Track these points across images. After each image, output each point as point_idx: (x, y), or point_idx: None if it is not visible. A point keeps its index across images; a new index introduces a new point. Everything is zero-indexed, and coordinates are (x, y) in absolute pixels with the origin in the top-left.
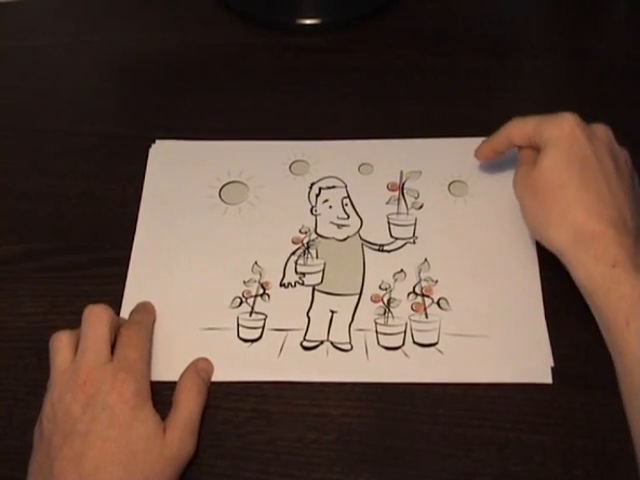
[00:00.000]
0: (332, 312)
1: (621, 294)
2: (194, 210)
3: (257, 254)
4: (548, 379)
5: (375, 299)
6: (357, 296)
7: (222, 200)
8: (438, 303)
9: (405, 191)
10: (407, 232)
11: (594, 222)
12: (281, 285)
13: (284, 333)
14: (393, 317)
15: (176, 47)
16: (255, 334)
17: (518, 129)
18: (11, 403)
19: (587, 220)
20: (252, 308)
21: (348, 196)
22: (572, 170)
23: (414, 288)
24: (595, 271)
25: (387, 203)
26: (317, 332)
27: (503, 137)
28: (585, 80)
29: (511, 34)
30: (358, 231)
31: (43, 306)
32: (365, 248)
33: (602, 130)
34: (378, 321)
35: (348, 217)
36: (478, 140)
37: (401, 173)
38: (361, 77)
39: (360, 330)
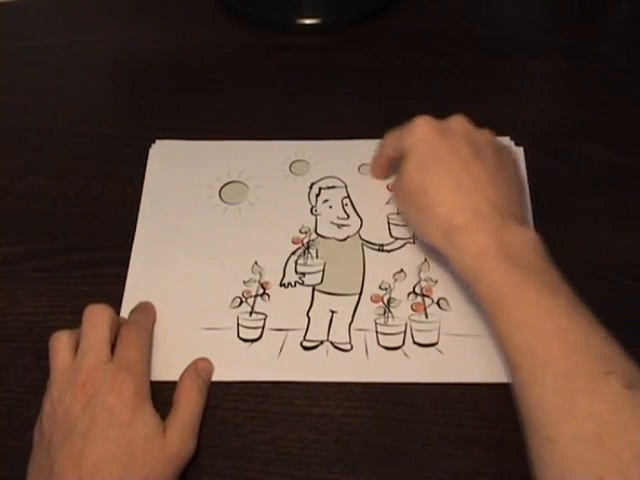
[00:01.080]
0: (332, 312)
1: (489, 282)
2: (194, 210)
3: (257, 254)
4: None
5: (375, 299)
6: (357, 296)
7: (222, 200)
8: (438, 303)
9: None
10: (407, 232)
11: (458, 216)
12: (281, 285)
13: (284, 333)
14: (393, 317)
15: (176, 47)
16: (255, 334)
17: (388, 143)
18: (11, 403)
19: (451, 215)
20: (252, 308)
21: (348, 196)
22: (431, 171)
23: (414, 288)
24: (465, 263)
25: (387, 203)
26: (317, 332)
27: (381, 154)
28: (586, 80)
29: (512, 34)
30: (358, 231)
31: (42, 306)
32: (365, 248)
33: (455, 121)
34: (378, 321)
35: (348, 217)
36: None
37: None
38: (361, 77)
39: (360, 330)
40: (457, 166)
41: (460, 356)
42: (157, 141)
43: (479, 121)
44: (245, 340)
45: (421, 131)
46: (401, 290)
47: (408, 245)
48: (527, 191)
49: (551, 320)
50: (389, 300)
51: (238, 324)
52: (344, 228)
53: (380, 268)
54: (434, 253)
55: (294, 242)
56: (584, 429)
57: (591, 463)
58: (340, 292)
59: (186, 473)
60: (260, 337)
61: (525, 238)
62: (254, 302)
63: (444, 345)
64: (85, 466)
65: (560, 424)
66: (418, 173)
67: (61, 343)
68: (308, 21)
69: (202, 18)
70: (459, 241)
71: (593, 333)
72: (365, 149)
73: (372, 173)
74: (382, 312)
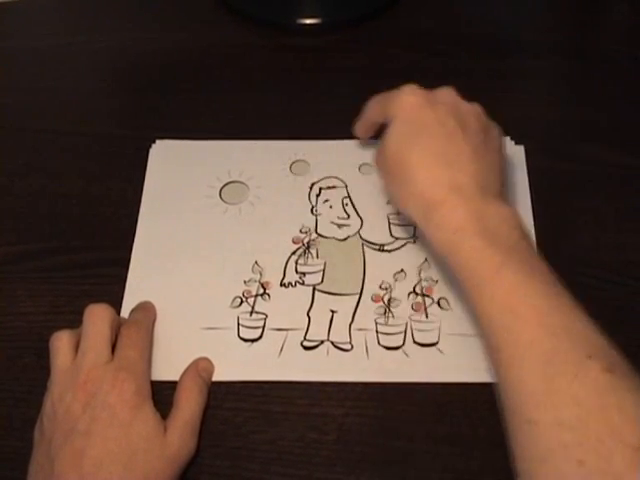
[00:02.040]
0: (332, 312)
1: (466, 259)
2: (194, 210)
3: (257, 254)
4: None
5: (375, 299)
6: (357, 296)
7: (222, 200)
8: (438, 303)
9: None
10: (407, 232)
11: (435, 190)
12: (281, 285)
13: (284, 333)
14: (393, 317)
15: (176, 47)
16: (255, 334)
17: (372, 108)
18: (11, 403)
19: (428, 189)
20: (252, 308)
21: (348, 196)
22: (413, 143)
23: (414, 288)
24: (442, 238)
25: (387, 203)
26: (317, 332)
27: (365, 118)
28: (586, 80)
29: (512, 34)
30: (358, 231)
31: (43, 306)
32: (365, 248)
33: (445, 93)
34: (378, 321)
35: (348, 217)
36: None
37: None
38: (361, 77)
39: (360, 330)
40: (440, 137)
41: (460, 356)
42: (157, 141)
43: None
44: (245, 340)
45: (407, 99)
46: (401, 290)
47: (408, 245)
48: (527, 188)
49: (530, 301)
50: (389, 300)
51: (238, 324)
52: (344, 228)
53: (380, 268)
54: (434, 253)
55: (294, 242)
56: (566, 413)
57: (573, 447)
58: (340, 292)
59: (186, 473)
60: (260, 337)
61: (504, 215)
62: (254, 302)
63: (444, 345)
64: (86, 465)
65: (541, 407)
66: (400, 144)
67: (61, 343)
68: (308, 21)
69: (202, 18)
70: (436, 217)
71: (573, 315)
72: (365, 149)
73: (355, 132)
74: (382, 312)
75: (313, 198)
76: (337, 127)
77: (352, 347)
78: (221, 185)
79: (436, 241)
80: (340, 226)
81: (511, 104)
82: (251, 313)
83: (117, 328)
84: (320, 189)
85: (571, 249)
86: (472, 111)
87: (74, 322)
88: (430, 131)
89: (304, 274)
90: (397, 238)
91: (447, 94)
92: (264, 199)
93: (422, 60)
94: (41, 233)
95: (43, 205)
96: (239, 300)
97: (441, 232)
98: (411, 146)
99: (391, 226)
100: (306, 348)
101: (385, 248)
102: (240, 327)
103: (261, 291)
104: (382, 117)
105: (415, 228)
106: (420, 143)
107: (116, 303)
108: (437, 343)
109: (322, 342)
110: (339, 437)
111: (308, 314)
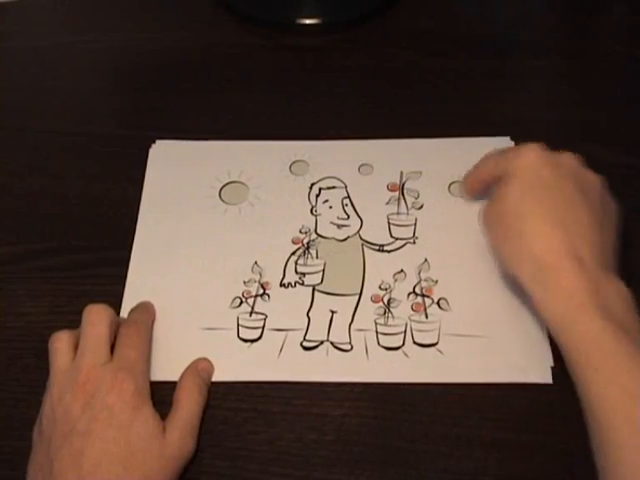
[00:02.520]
0: (332, 312)
1: (579, 333)
2: (194, 210)
3: (257, 254)
4: (548, 379)
5: (375, 299)
6: (357, 296)
7: (222, 200)
8: (438, 303)
9: (405, 191)
10: (407, 232)
11: (551, 255)
12: (281, 285)
13: (284, 333)
14: (393, 317)
15: (176, 47)
16: (255, 334)
17: (487, 163)
18: (11, 403)
19: (543, 253)
20: (252, 308)
21: (348, 196)
22: (533, 199)
23: (414, 288)
24: (552, 308)
25: (387, 203)
26: (317, 332)
27: (479, 173)
28: (586, 80)
29: (512, 34)
30: (358, 231)
31: (43, 306)
32: (365, 248)
33: (568, 158)
34: (378, 321)
35: (348, 217)
36: (478, 140)
37: (401, 173)
38: (361, 77)
39: (360, 330)
40: (559, 201)
41: (460, 356)
42: (157, 141)
43: (478, 121)
44: (245, 340)
45: (528, 157)
46: (401, 290)
47: (408, 245)
48: None
49: None
50: (389, 300)
51: (238, 324)
52: (344, 228)
53: (380, 268)
54: (434, 253)
55: (294, 242)
56: None
57: None
58: (340, 292)
59: (186, 473)
60: (260, 337)
61: (621, 293)
62: (254, 302)
63: (444, 345)
64: (85, 466)
65: None
66: (519, 198)
67: (61, 343)
68: (308, 21)
69: (202, 18)
70: (548, 284)
71: None
72: (365, 149)
73: (465, 188)
74: (382, 312)
75: (313, 198)
76: (337, 127)
77: (352, 347)
78: (221, 185)
79: (546, 309)
80: (340, 226)
81: (511, 104)
82: (251, 313)
83: (116, 328)
84: (320, 189)
85: None
86: (595, 181)
87: (74, 322)
88: (549, 193)
89: (304, 274)
90: (397, 238)
91: (570, 159)
92: (264, 199)
93: (422, 60)
94: (41, 233)
95: (43, 205)
96: (239, 300)
97: (554, 299)
98: (530, 203)
99: (391, 226)
100: (306, 348)
101: (385, 248)
102: (240, 327)
103: (261, 291)
104: (496, 174)
105: (415, 228)
106: (540, 202)
107: (116, 303)
108: (437, 344)
109: (322, 342)
110: (338, 437)
111: (308, 314)
